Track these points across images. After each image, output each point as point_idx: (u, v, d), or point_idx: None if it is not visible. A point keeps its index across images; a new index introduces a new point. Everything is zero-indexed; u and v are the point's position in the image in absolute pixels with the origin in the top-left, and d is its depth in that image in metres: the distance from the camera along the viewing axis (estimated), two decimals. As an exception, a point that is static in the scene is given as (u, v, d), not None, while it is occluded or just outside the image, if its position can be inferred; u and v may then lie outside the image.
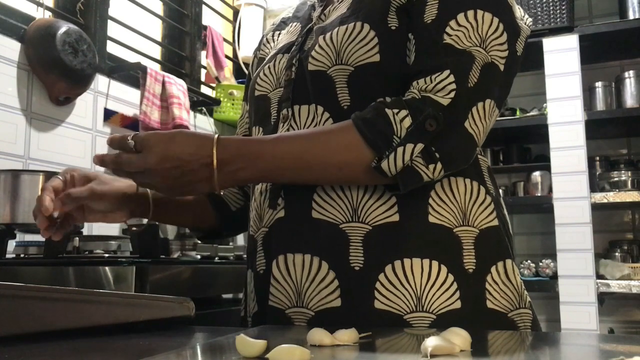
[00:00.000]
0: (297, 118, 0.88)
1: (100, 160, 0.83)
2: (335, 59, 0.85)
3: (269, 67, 0.96)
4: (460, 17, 0.81)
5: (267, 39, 1.09)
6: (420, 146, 0.76)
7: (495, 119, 0.83)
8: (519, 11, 0.87)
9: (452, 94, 0.77)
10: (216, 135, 0.79)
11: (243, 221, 1.08)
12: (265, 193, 0.90)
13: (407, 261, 0.79)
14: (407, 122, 0.76)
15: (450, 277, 0.79)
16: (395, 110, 0.77)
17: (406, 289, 0.78)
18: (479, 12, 0.81)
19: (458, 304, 0.78)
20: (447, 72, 0.78)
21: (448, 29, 0.80)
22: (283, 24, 1.08)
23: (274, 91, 0.94)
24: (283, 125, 0.89)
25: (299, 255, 0.83)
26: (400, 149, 0.76)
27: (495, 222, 0.85)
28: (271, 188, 0.89)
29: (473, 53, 0.79)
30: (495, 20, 0.81)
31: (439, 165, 0.77)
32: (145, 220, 1.01)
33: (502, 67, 0.81)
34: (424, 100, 0.77)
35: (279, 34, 1.06)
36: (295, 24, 1.02)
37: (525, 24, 0.87)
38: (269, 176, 0.84)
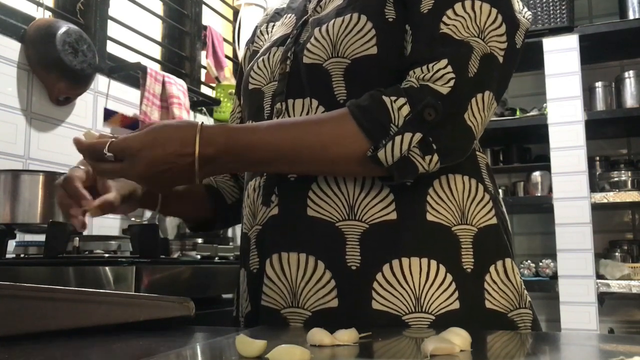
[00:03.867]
0: (291, 112, 0.86)
1: (78, 143, 0.79)
2: (331, 51, 0.83)
3: (263, 60, 0.93)
4: (458, 6, 0.79)
5: (260, 30, 1.06)
6: (418, 136, 0.73)
7: (494, 112, 0.81)
8: (517, 4, 0.85)
9: (452, 83, 0.75)
10: (199, 126, 0.76)
11: (237, 215, 1.07)
12: (258, 190, 0.88)
13: (405, 260, 0.78)
14: (406, 110, 0.74)
15: (449, 277, 0.78)
16: (393, 98, 0.75)
17: (404, 289, 0.77)
18: (477, 3, 0.79)
19: (457, 305, 0.77)
20: (444, 61, 0.76)
21: (445, 19, 0.78)
22: (277, 15, 1.05)
23: (267, 85, 0.91)
24: None
25: (294, 254, 0.81)
26: (398, 138, 0.73)
27: (494, 221, 0.83)
28: (264, 185, 0.86)
29: (471, 43, 0.77)
30: (494, 11, 0.80)
31: (435, 157, 0.74)
32: (148, 214, 0.98)
33: (501, 59, 0.79)
34: (422, 89, 0.75)
35: (273, 25, 1.03)
36: (290, 15, 0.99)
37: (524, 17, 0.85)
38: (257, 168, 0.82)
